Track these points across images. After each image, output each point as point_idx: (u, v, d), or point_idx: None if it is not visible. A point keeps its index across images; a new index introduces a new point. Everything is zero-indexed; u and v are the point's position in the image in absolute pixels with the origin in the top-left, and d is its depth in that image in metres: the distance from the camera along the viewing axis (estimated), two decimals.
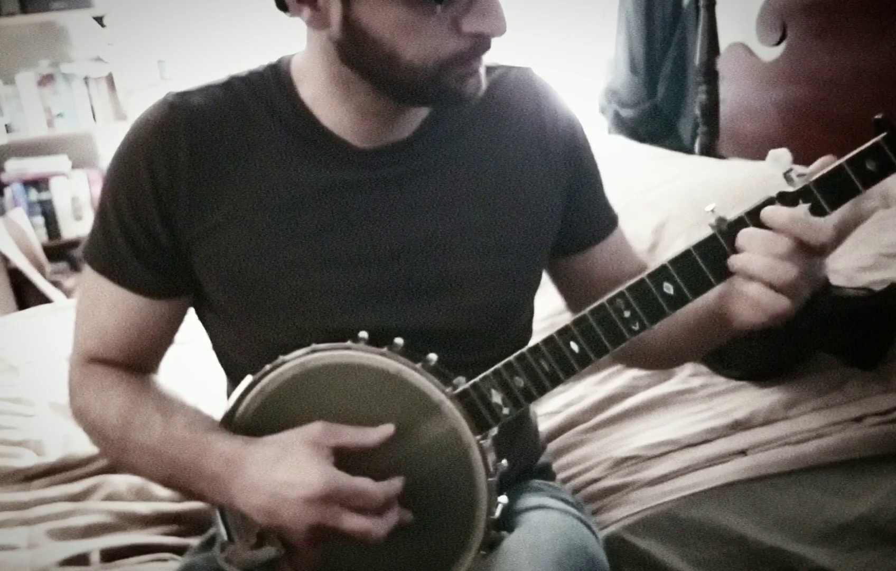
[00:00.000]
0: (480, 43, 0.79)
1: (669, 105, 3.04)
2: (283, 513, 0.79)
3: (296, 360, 0.83)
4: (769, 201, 0.76)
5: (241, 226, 0.86)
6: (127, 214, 0.86)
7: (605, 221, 1.03)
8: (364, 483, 0.79)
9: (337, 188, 0.87)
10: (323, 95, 0.86)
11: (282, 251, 0.86)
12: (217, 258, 0.87)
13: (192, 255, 0.88)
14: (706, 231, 0.78)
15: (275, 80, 0.89)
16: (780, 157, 0.76)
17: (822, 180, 0.75)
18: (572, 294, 1.05)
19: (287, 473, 0.78)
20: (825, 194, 0.75)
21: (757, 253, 0.75)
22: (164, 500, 1.29)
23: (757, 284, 0.76)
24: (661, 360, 1.07)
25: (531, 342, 0.82)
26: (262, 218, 0.86)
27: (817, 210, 0.75)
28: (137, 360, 0.92)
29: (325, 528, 0.78)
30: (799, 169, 0.76)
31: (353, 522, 0.78)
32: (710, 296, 0.81)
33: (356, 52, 0.80)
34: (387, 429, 0.82)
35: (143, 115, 0.88)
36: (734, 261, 0.77)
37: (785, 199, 0.76)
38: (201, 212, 0.86)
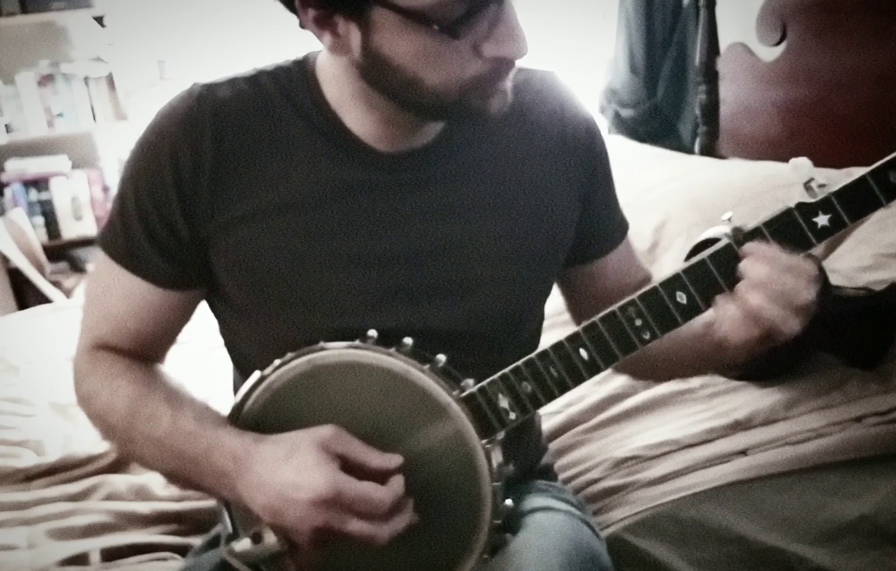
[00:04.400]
0: (503, 66, 0.79)
1: (669, 105, 3.04)
2: (287, 514, 0.78)
3: (304, 357, 0.83)
4: (787, 212, 0.74)
5: (262, 221, 0.86)
6: (147, 203, 0.86)
7: (617, 230, 1.02)
8: (368, 489, 0.78)
9: (358, 189, 0.87)
10: (347, 102, 0.86)
11: (301, 248, 0.86)
12: (236, 252, 0.87)
13: (211, 247, 0.87)
14: (715, 231, 0.76)
15: (300, 77, 0.88)
16: (801, 165, 0.73)
17: (843, 192, 0.72)
18: (577, 301, 1.05)
19: (293, 474, 0.78)
20: (846, 207, 0.72)
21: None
22: (165, 500, 1.29)
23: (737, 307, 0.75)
24: (654, 372, 1.05)
25: (539, 348, 0.81)
26: (283, 214, 0.86)
27: (837, 223, 0.73)
28: (146, 349, 0.92)
29: (330, 531, 0.78)
30: (820, 179, 0.73)
31: (357, 526, 0.78)
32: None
33: (378, 77, 0.80)
34: (395, 459, 0.81)
35: (169, 105, 0.87)
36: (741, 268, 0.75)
37: (803, 210, 0.73)
38: (222, 205, 0.86)
